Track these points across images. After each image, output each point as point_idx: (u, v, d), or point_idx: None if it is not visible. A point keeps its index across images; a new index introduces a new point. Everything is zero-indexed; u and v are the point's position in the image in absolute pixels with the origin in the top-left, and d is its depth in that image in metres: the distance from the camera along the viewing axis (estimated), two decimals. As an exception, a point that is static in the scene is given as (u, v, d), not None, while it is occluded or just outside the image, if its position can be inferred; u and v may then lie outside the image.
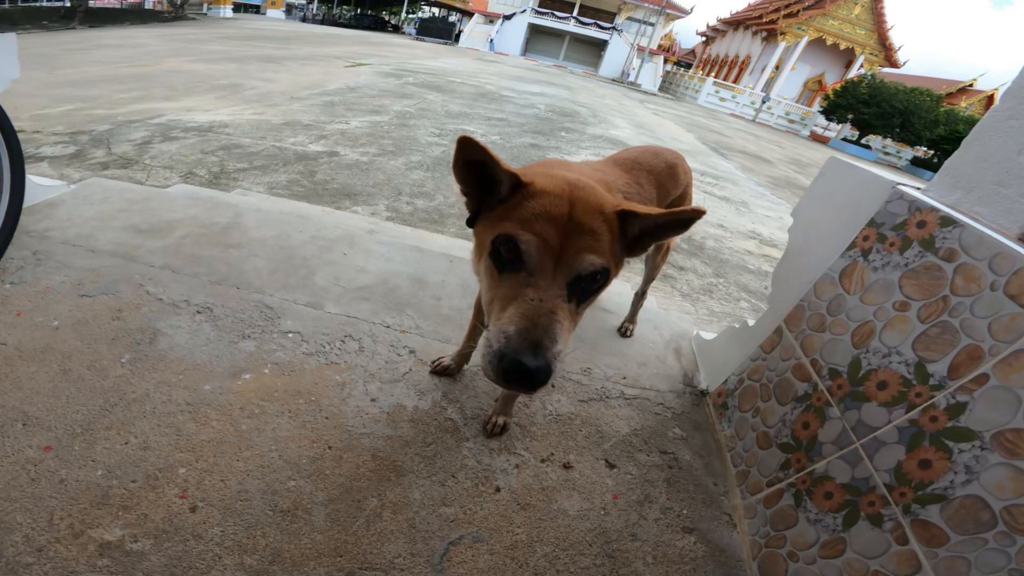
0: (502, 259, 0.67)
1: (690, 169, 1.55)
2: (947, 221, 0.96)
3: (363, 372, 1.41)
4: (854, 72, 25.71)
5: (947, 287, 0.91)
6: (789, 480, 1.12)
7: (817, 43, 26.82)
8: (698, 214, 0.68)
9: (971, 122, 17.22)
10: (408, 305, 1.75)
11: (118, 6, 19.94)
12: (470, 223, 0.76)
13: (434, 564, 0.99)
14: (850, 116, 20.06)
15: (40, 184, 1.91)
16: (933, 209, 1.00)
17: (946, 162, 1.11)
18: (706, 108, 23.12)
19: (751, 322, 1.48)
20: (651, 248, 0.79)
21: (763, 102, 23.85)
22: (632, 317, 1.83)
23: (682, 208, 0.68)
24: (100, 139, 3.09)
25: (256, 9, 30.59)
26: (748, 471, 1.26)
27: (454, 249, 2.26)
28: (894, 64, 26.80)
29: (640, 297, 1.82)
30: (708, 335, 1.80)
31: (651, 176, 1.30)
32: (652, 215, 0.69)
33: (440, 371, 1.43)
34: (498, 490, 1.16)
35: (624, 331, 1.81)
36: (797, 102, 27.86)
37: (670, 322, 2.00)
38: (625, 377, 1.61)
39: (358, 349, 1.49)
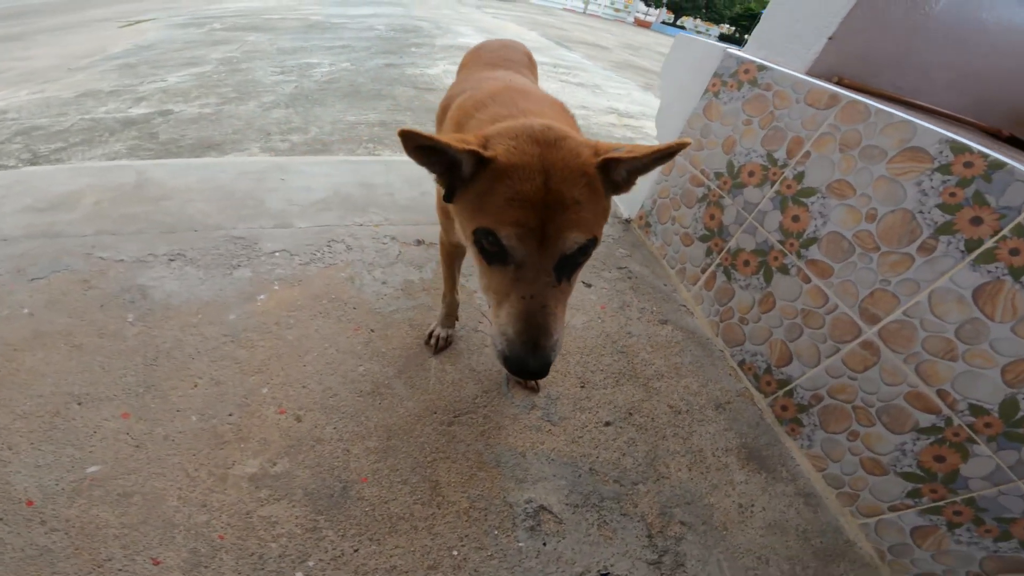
0: (487, 251, 0.65)
1: None
2: (762, 67, 1.45)
3: (362, 264, 1.54)
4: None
5: (771, 106, 1.40)
6: (715, 262, 1.53)
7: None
8: (683, 145, 0.64)
9: (762, 1, 20.51)
10: (368, 205, 1.86)
11: None
12: (447, 199, 0.70)
13: (504, 392, 1.20)
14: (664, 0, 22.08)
15: None
16: (752, 61, 1.49)
17: (753, 32, 1.65)
18: (539, 6, 22.99)
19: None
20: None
21: (588, -7, 24.49)
22: None
23: (669, 143, 0.64)
24: None
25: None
26: (684, 267, 1.68)
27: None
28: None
29: None
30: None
31: (527, 70, 1.41)
32: (638, 157, 0.65)
33: (440, 344, 1.31)
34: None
35: None
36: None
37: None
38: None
39: (346, 248, 1.60)
